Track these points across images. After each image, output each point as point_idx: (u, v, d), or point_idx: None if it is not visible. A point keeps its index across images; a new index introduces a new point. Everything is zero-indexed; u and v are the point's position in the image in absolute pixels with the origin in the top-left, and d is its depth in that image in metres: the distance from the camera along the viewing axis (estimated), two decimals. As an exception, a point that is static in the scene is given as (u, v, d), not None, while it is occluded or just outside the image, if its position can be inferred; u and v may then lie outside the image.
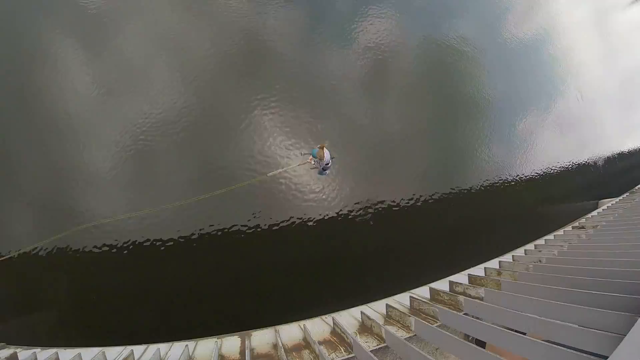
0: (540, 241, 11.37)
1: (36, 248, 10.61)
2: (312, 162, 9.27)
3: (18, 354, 6.03)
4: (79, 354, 6.02)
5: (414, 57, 14.86)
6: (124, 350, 6.38)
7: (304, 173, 11.98)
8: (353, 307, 7.69)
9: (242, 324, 7.55)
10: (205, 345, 6.50)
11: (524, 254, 10.01)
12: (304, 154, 11.09)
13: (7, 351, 6.56)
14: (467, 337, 6.24)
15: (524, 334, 4.81)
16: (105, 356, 6.07)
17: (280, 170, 10.22)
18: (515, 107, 16.30)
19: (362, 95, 13.80)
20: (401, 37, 15.07)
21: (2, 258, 9.32)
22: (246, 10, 13.94)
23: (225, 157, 12.17)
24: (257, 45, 13.59)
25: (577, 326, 4.63)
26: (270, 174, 9.49)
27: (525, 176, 15.14)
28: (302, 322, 7.03)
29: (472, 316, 6.29)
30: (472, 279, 8.45)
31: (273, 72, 13.33)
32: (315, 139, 12.37)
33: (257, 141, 12.36)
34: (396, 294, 8.16)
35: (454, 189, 13.44)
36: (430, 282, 8.59)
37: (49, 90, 12.83)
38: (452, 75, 15.32)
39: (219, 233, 11.14)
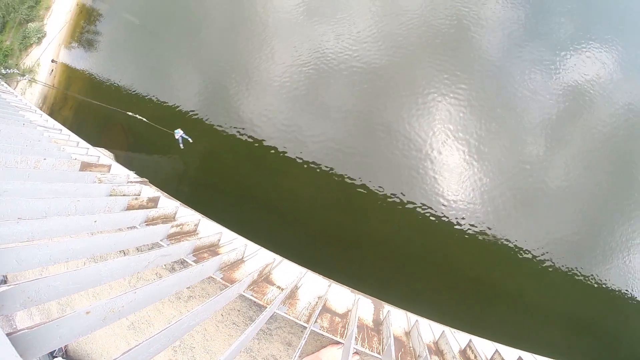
0: None
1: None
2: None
3: (160, 199, 5.42)
4: (220, 233, 5.36)
5: (612, 116, 12.73)
6: (260, 250, 5.70)
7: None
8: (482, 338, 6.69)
9: (374, 290, 6.79)
10: (341, 293, 5.79)
11: None
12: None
13: (150, 190, 6.01)
14: None
15: None
16: (245, 249, 5.34)
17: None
18: None
19: (543, 129, 13.00)
20: (608, 88, 13.01)
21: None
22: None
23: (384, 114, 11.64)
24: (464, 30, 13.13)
25: None
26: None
27: None
28: (435, 325, 6.03)
29: None
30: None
31: (468, 62, 12.89)
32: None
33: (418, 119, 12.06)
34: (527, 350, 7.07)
35: (581, 271, 11.91)
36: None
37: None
38: None
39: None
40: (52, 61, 23.45)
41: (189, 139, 12.81)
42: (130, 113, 13.01)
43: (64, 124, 11.67)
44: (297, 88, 12.42)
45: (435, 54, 12.52)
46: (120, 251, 5.23)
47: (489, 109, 12.34)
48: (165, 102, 14.47)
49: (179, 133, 12.67)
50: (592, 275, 12.65)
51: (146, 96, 15.12)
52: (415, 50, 12.54)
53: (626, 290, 13.00)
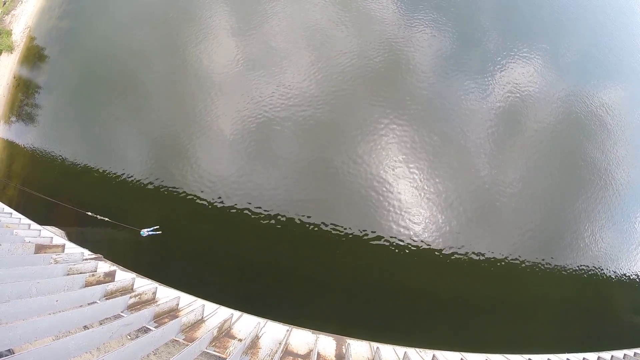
0: None
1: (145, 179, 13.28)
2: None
3: (116, 273, 5.95)
4: (178, 297, 5.90)
5: (551, 111, 14.86)
6: (219, 309, 6.25)
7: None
8: (447, 350, 7.43)
9: (336, 326, 7.42)
10: (302, 335, 6.37)
11: (622, 357, 9.62)
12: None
13: (105, 265, 6.51)
14: None
15: None
16: (203, 309, 5.93)
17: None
18: None
19: (486, 139, 14.32)
20: (544, 86, 15.43)
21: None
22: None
23: (332, 156, 13.22)
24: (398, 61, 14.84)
25: None
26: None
27: (627, 277, 14.59)
28: (399, 348, 6.75)
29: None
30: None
31: (407, 89, 14.39)
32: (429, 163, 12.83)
33: (369, 154, 13.33)
34: (490, 352, 7.87)
35: (550, 261, 13.19)
36: (518, 349, 8.37)
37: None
38: (587, 145, 15.30)
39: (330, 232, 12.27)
40: (-10, 140, 23.26)
41: (157, 232, 12.85)
42: (90, 213, 13.04)
43: (9, 205, 11.83)
44: (244, 142, 13.30)
45: (373, 91, 14.00)
46: (84, 326, 5.65)
47: (433, 134, 13.79)
48: (111, 172, 14.55)
49: (144, 233, 12.70)
50: (565, 264, 13.79)
51: (93, 167, 15.30)
52: (355, 90, 13.97)
53: (599, 267, 14.31)
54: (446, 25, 15.38)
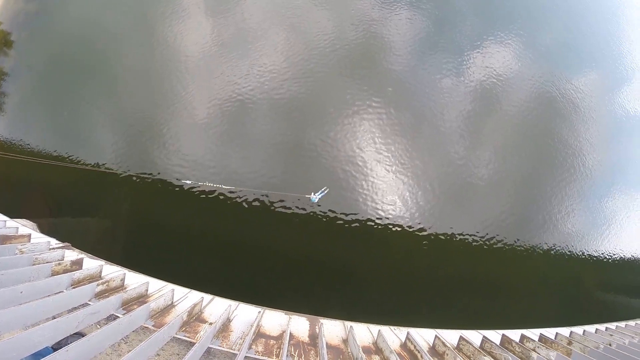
0: (611, 325, 11.65)
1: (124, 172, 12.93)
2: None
3: (84, 261, 6.03)
4: (147, 283, 6.04)
5: (525, 95, 15.39)
6: (190, 293, 6.41)
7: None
8: (423, 328, 7.79)
9: (310, 307, 7.69)
10: (275, 317, 6.58)
11: (594, 332, 10.25)
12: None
13: (72, 253, 6.57)
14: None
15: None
16: (173, 294, 6.08)
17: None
18: (612, 181, 16.72)
19: (461, 122, 14.60)
20: (518, 70, 15.97)
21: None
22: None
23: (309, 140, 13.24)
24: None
25: None
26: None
27: (597, 255, 15.37)
28: (373, 326, 7.08)
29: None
30: (544, 339, 8.67)
31: (384, 77, 14.36)
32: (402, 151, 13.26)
33: (344, 140, 13.37)
34: (464, 327, 8.31)
35: (524, 241, 13.78)
36: (494, 325, 8.83)
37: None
38: (560, 128, 15.91)
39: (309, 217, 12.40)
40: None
41: (325, 192, 12.61)
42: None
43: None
44: (221, 125, 13.23)
45: (349, 74, 14.02)
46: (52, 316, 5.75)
47: (409, 114, 13.98)
48: (83, 159, 14.20)
49: (315, 198, 12.00)
50: (539, 243, 14.46)
51: (66, 156, 14.91)
52: (330, 72, 13.95)
53: (570, 246, 15.10)
54: (424, 7, 15.37)
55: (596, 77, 17.45)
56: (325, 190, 12.65)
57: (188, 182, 11.91)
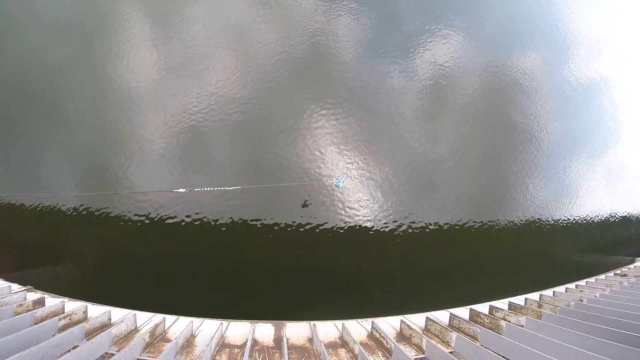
0: (581, 282, 11.99)
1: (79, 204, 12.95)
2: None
3: (46, 300, 6.35)
4: (109, 311, 6.36)
5: (473, 82, 16.27)
6: (154, 316, 6.73)
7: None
8: (390, 316, 8.11)
9: (276, 313, 7.99)
10: (239, 327, 6.89)
11: (564, 291, 10.58)
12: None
13: (35, 295, 6.89)
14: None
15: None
16: (135, 318, 6.42)
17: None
18: (566, 149, 17.72)
19: (416, 113, 15.20)
20: (464, 59, 16.56)
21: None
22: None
23: (272, 152, 13.63)
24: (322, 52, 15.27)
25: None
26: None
27: (564, 220, 16.02)
28: (338, 322, 7.41)
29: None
30: (513, 307, 8.96)
31: (332, 81, 14.83)
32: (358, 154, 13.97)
33: (302, 147, 13.82)
34: (433, 310, 8.61)
35: (494, 221, 14.25)
36: (464, 305, 9.15)
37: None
38: (510, 110, 16.77)
39: (265, 224, 12.63)
40: None
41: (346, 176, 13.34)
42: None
43: None
44: (178, 150, 13.20)
45: (300, 80, 14.38)
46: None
47: (363, 114, 14.38)
48: (40, 204, 13.83)
49: (339, 184, 12.65)
50: (508, 219, 15.00)
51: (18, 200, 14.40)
52: (282, 82, 14.32)
53: (539, 217, 15.68)
54: (363, 11, 15.92)
55: (537, 57, 18.30)
56: (346, 174, 13.29)
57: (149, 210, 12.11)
